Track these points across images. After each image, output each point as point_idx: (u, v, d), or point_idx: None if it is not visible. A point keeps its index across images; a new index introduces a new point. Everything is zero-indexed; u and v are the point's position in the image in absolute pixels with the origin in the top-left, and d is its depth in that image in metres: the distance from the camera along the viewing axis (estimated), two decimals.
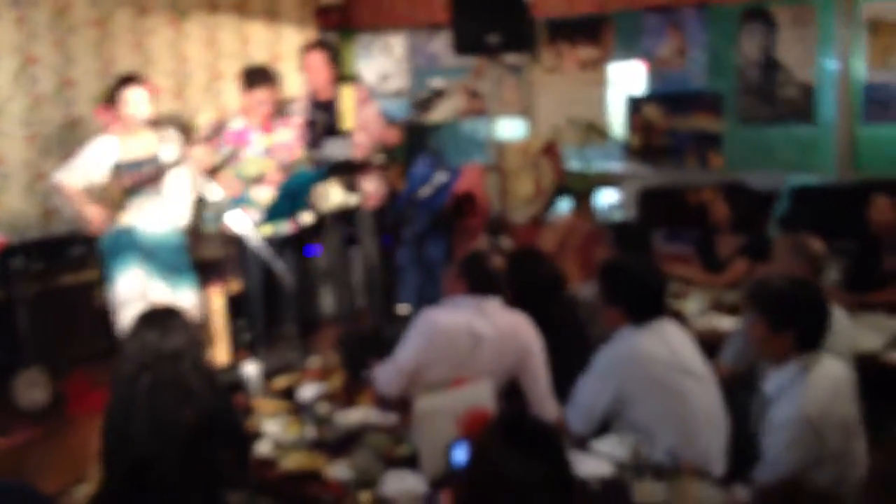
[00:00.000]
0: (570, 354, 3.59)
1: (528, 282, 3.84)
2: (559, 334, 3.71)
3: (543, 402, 3.58)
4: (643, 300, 3.30)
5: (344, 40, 7.76)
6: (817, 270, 3.78)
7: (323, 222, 5.62)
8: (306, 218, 5.42)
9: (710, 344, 3.66)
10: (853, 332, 3.66)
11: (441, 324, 3.54)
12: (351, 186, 5.65)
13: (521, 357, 3.59)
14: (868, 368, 3.14)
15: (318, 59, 5.69)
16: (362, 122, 5.67)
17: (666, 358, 3.20)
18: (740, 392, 3.53)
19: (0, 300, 5.42)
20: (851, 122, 5.60)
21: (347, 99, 5.70)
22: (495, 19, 5.63)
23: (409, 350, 3.56)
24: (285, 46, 7.44)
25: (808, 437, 2.83)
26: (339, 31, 7.73)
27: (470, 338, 3.52)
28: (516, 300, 3.71)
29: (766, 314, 3.02)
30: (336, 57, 5.81)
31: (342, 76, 5.89)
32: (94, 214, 5.03)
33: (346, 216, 5.72)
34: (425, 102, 6.32)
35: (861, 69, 5.57)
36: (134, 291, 5.10)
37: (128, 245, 5.12)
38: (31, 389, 5.26)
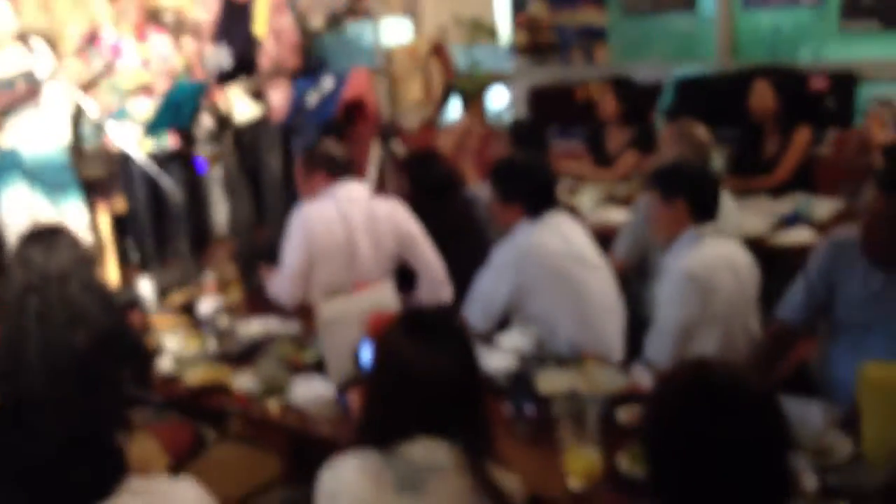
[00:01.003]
0: (470, 254, 3.62)
1: (424, 184, 3.85)
2: (459, 235, 3.74)
3: (437, 286, 3.66)
4: (536, 193, 3.35)
5: None
6: (703, 157, 3.86)
7: (221, 131, 5.45)
8: (206, 122, 5.24)
9: (603, 236, 3.74)
10: (739, 215, 3.79)
11: (313, 216, 3.60)
12: (257, 96, 5.45)
13: (400, 238, 3.68)
14: (756, 251, 3.25)
15: None
16: (276, 30, 5.45)
17: (561, 249, 3.26)
18: (634, 282, 3.63)
19: None
20: (731, 9, 5.67)
21: (262, 2, 5.46)
22: None
23: (291, 251, 3.61)
24: None
25: (691, 290, 2.96)
26: None
27: (343, 223, 3.59)
28: (414, 203, 3.73)
29: (657, 187, 3.17)
30: None
31: None
32: None
33: (247, 126, 5.54)
34: (339, 19, 6.13)
35: None
36: (19, 213, 4.91)
37: (10, 166, 4.92)
38: None
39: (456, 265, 3.68)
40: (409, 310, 2.31)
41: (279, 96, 5.53)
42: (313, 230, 3.59)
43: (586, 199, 4.56)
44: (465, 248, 3.75)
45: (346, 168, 3.71)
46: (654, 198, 3.19)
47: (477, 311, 3.31)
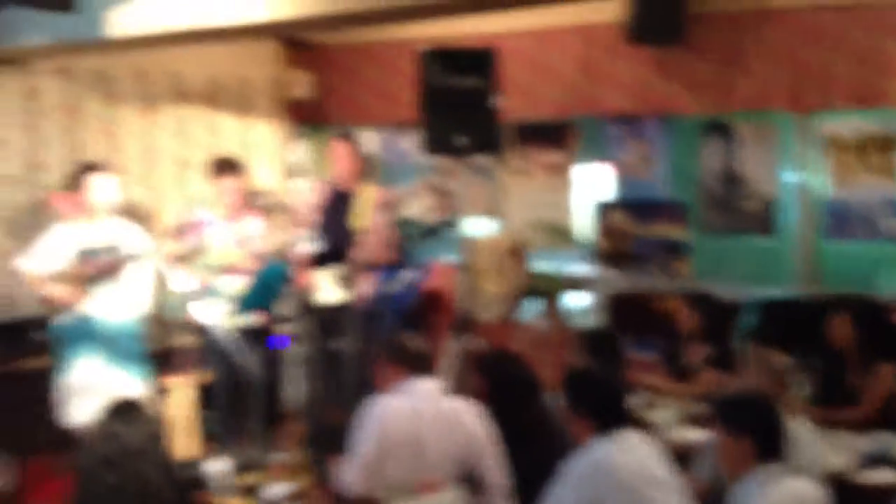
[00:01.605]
0: (544, 461, 3.58)
1: (504, 383, 3.84)
2: (534, 440, 3.70)
3: (499, 499, 3.62)
4: (606, 409, 3.35)
5: (315, 134, 7.83)
6: (783, 385, 3.83)
7: (304, 312, 5.59)
8: (284, 308, 5.42)
9: (680, 456, 3.67)
10: (820, 448, 3.69)
11: (388, 410, 3.62)
12: (345, 282, 5.61)
13: (469, 441, 3.66)
14: (841, 489, 3.16)
15: (341, 150, 5.79)
16: (375, 226, 5.70)
17: (635, 468, 3.23)
18: None
19: None
20: (813, 236, 5.73)
21: (368, 198, 5.74)
22: (464, 121, 5.71)
23: (363, 442, 3.61)
24: (256, 138, 7.50)
25: None
26: (311, 125, 7.81)
27: (415, 419, 3.60)
28: (491, 402, 3.73)
29: (723, 421, 3.17)
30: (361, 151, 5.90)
31: (364, 170, 5.96)
32: (61, 292, 5.04)
33: (331, 311, 5.67)
34: (435, 230, 6.48)
35: (821, 184, 5.71)
36: (88, 380, 5.03)
37: (84, 333, 5.10)
38: None
39: (529, 471, 3.63)
40: None
41: (366, 286, 5.67)
42: (386, 424, 3.60)
43: (663, 415, 4.50)
44: (540, 454, 3.70)
45: (426, 364, 3.76)
46: (720, 430, 3.16)
47: None
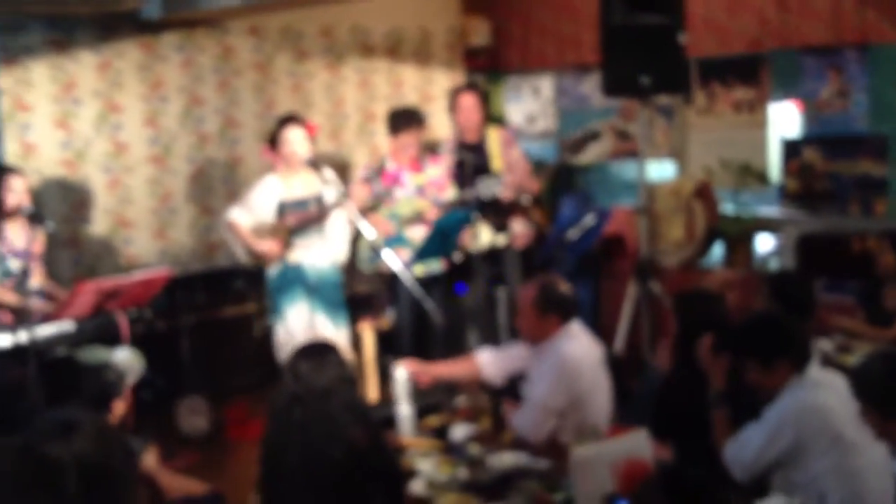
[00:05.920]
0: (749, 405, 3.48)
1: (699, 325, 3.74)
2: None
3: None
4: (804, 351, 3.24)
5: (492, 82, 7.83)
6: None
7: (470, 262, 5.68)
8: (455, 257, 5.52)
9: None
10: None
11: (576, 355, 3.72)
12: (499, 226, 5.70)
13: None
14: None
15: (471, 101, 5.81)
16: (508, 164, 5.78)
17: (841, 410, 3.11)
18: None
19: (164, 330, 5.66)
20: None
21: (494, 141, 5.81)
22: (647, 60, 5.52)
23: (548, 389, 3.69)
24: (435, 88, 7.58)
25: None
26: (488, 73, 7.82)
27: (596, 365, 3.80)
28: (687, 343, 3.66)
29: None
30: (486, 99, 5.93)
31: (489, 118, 6.01)
32: (270, 248, 5.20)
33: (492, 256, 5.76)
34: (578, 144, 6.32)
35: None
36: (302, 325, 5.23)
37: (295, 280, 5.25)
38: (193, 416, 5.47)
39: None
40: (667, 469, 2.25)
41: (520, 226, 5.81)
42: (579, 370, 3.70)
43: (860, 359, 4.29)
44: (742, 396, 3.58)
45: (576, 309, 3.87)
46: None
47: (741, 464, 3.20)
